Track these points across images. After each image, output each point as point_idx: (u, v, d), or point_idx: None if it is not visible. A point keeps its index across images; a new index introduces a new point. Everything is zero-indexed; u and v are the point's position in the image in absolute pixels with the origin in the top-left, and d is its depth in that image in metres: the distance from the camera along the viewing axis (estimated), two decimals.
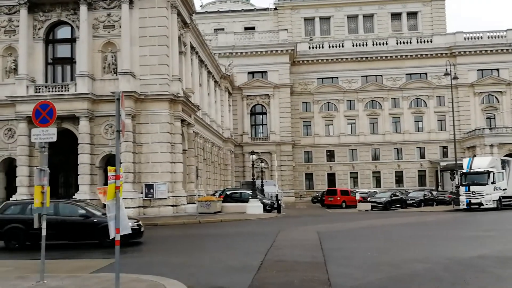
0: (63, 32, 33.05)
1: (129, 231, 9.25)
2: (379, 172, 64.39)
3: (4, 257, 14.23)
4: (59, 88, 30.67)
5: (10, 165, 31.40)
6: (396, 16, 72.70)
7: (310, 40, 69.29)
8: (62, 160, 30.09)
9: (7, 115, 30.98)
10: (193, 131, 37.94)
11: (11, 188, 30.87)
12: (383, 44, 66.00)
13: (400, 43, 65.81)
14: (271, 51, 62.08)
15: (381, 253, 13.50)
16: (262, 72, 62.69)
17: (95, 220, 15.92)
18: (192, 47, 41.26)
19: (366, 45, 66.19)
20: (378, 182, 64.16)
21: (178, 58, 34.52)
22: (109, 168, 8.58)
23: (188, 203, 32.89)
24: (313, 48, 66.87)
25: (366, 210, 37.14)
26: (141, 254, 14.55)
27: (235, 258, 13.07)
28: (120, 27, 31.56)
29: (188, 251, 14.86)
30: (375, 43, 66.38)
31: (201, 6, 78.26)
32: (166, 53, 32.26)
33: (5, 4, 32.33)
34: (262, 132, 63.91)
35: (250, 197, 33.10)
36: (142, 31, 31.92)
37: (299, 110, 65.70)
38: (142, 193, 30.69)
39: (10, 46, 32.36)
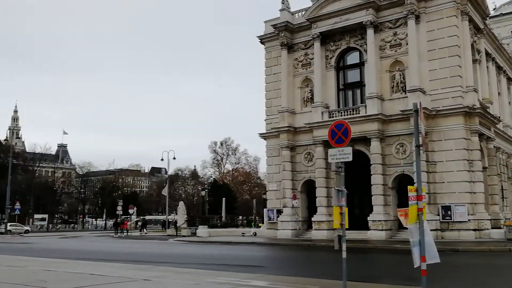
0: (351, 58, 34.50)
1: (438, 260, 7.87)
2: None
3: (312, 274, 14.96)
4: (350, 111, 31.94)
5: (310, 186, 34.13)
6: None
7: None
8: (354, 181, 30.82)
9: (306, 141, 34.01)
10: (494, 146, 33.85)
11: (312, 208, 33.47)
12: None
13: None
14: None
15: None
16: None
17: None
18: (487, 54, 37.22)
19: None
20: None
21: (471, 68, 31.53)
22: (409, 187, 7.80)
23: (492, 228, 29.31)
24: None
25: None
26: (442, 284, 13.10)
27: None
28: (406, 44, 30.98)
29: (496, 286, 12.64)
30: None
31: (494, 9, 70.66)
32: (458, 64, 29.90)
33: (301, 41, 35.94)
34: None
35: None
36: (430, 44, 30.54)
37: None
38: (438, 215, 28.77)
39: (307, 78, 35.57)
